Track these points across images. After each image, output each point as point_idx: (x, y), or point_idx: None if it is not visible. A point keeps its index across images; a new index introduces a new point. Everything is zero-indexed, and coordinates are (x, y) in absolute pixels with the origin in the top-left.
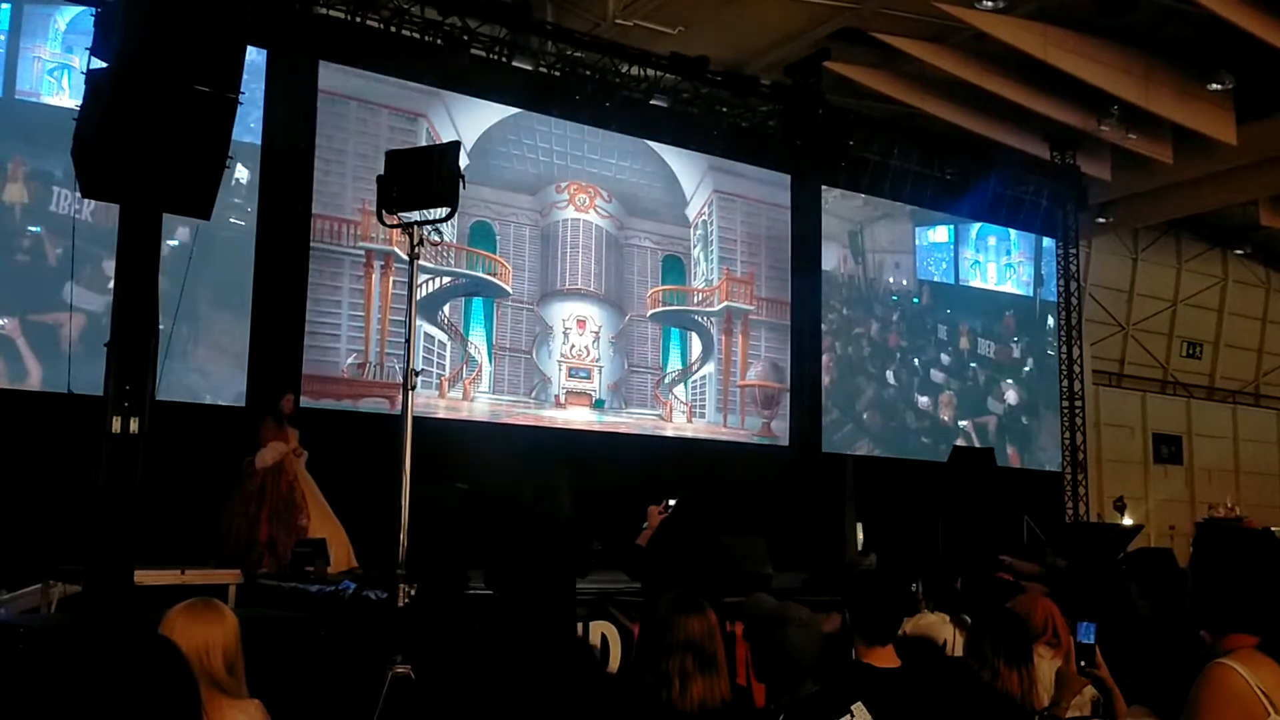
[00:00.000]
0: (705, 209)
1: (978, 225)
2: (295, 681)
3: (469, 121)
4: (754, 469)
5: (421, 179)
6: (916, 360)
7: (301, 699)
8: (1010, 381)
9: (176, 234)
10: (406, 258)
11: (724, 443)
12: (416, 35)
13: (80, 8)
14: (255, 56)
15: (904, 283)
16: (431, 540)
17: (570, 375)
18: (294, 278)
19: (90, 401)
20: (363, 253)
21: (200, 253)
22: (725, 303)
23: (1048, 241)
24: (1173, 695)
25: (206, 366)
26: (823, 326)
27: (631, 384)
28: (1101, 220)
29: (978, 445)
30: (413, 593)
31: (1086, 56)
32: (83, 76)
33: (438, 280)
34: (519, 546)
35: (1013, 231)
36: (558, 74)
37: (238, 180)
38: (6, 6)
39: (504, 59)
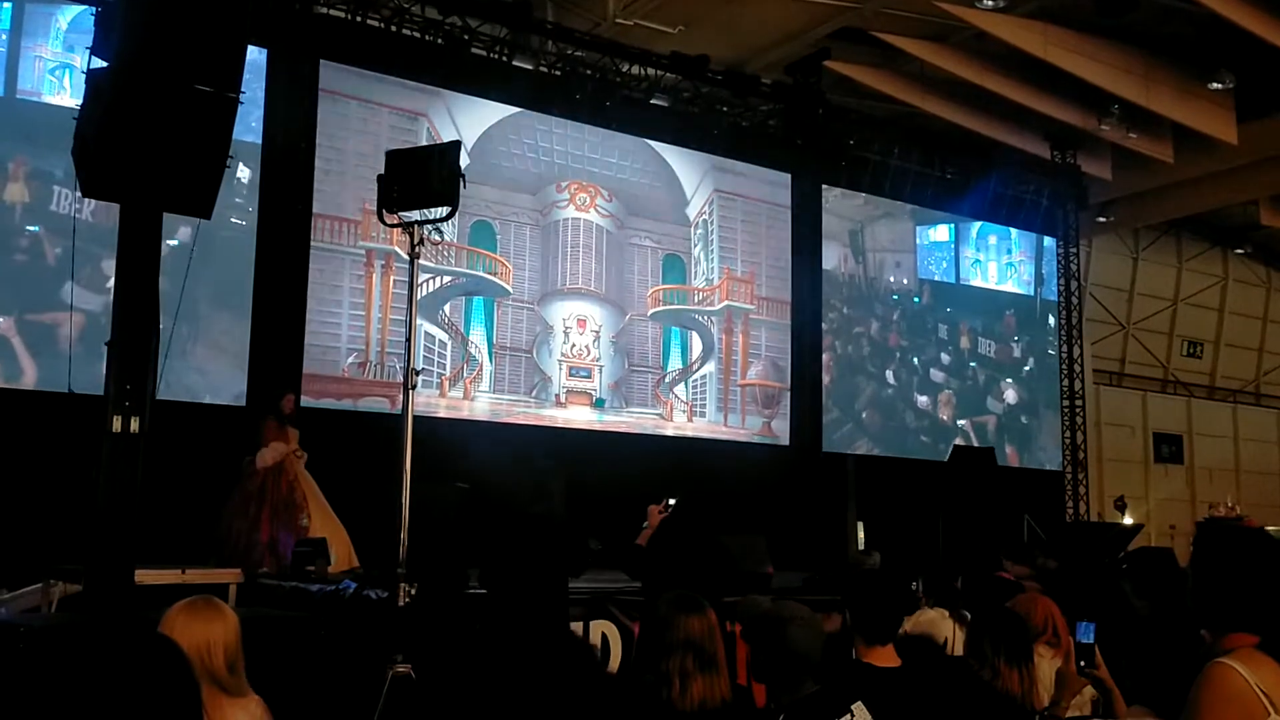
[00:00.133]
0: (706, 208)
1: (978, 224)
2: (295, 681)
3: (469, 121)
4: (754, 468)
5: (422, 178)
6: (916, 359)
7: (302, 698)
8: (1010, 381)
9: (177, 234)
10: (407, 257)
11: (724, 442)
12: (417, 35)
13: (81, 7)
14: (256, 56)
15: (904, 282)
16: (432, 540)
17: (571, 374)
18: (294, 277)
19: (90, 401)
20: (363, 252)
21: (200, 252)
22: (725, 302)
23: (1048, 240)
24: (1173, 695)
25: (206, 366)
26: (823, 326)
27: (632, 383)
28: (1102, 219)
29: (976, 445)
30: (413, 592)
31: (1087, 56)
32: (84, 76)
33: (438, 279)
34: (511, 546)
35: (1013, 230)
36: (558, 73)
37: (239, 180)
38: (8, 5)
39: (504, 58)
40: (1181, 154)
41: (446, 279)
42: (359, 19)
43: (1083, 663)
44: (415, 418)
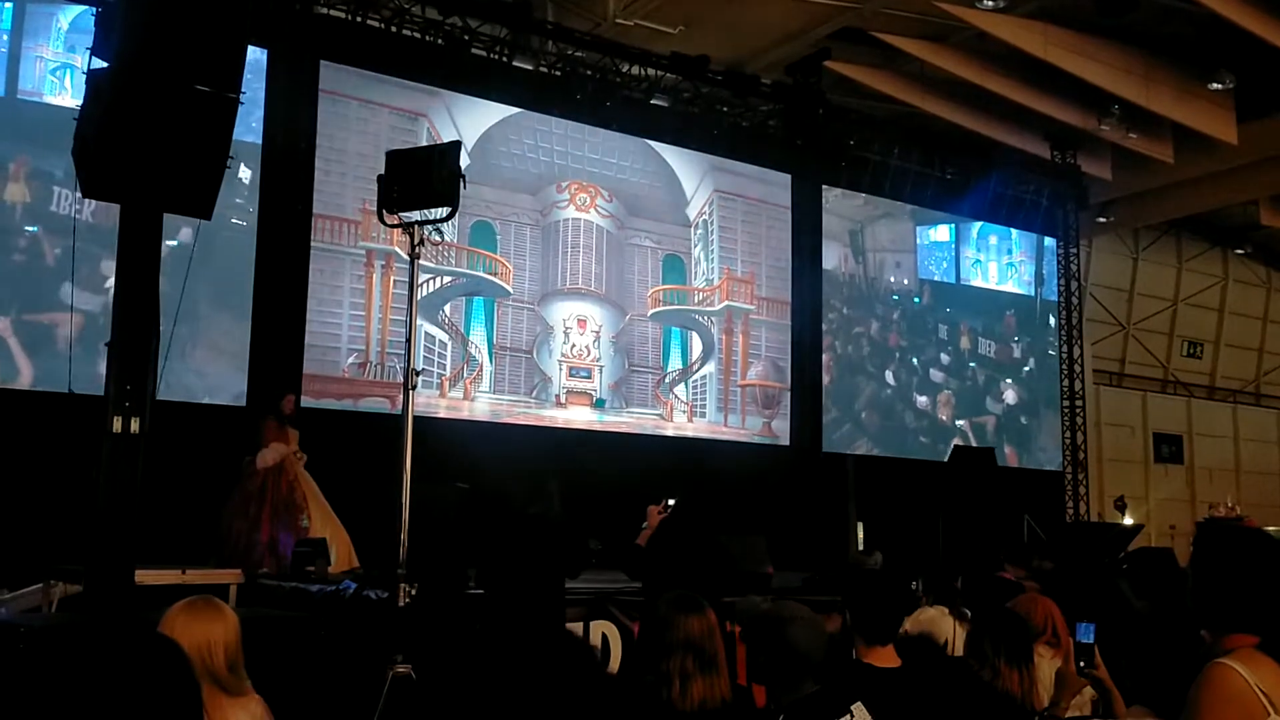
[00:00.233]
0: (706, 208)
1: (979, 224)
2: (295, 681)
3: (469, 121)
4: (754, 469)
5: (422, 179)
6: (916, 360)
7: (302, 698)
8: (1009, 381)
9: (178, 234)
10: (407, 257)
11: (724, 442)
12: (417, 35)
13: (82, 7)
14: (256, 56)
15: (905, 282)
16: (432, 540)
17: (571, 375)
18: (295, 277)
19: (90, 401)
20: (363, 252)
21: (200, 253)
22: (726, 302)
23: (1049, 241)
24: (1172, 695)
25: (204, 367)
26: (823, 326)
27: (632, 383)
28: (1102, 220)
29: (975, 445)
30: (413, 592)
31: (1087, 56)
32: (84, 76)
33: (438, 280)
34: (508, 546)
35: (1014, 230)
36: (558, 74)
37: (239, 180)
38: (9, 6)
39: (504, 59)
40: (1181, 154)
41: (446, 279)
42: (359, 19)
43: (1082, 663)
44: (415, 418)
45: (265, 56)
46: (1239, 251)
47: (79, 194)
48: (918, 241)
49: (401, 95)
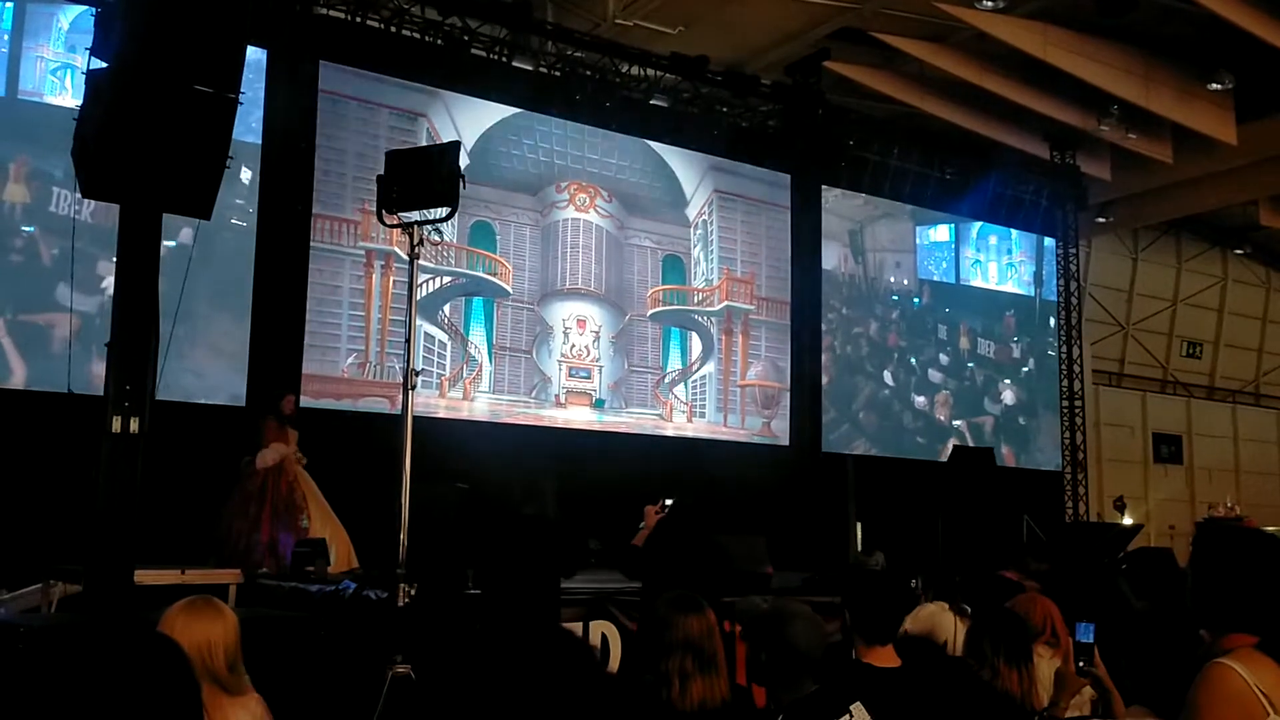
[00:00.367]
0: (705, 209)
1: (979, 224)
2: (295, 681)
3: (469, 121)
4: (754, 469)
5: (421, 179)
6: (914, 360)
7: (301, 699)
8: (1008, 382)
9: (178, 235)
10: (406, 257)
11: (724, 442)
12: (416, 35)
13: (82, 7)
14: (256, 56)
15: (904, 282)
16: (431, 540)
17: (570, 375)
18: (294, 277)
19: (90, 401)
20: (363, 252)
21: (200, 253)
22: (725, 302)
23: (1049, 241)
24: (1172, 695)
25: (202, 368)
26: (822, 326)
27: (631, 384)
28: (1101, 220)
29: (972, 445)
30: (413, 592)
31: (1086, 56)
32: (84, 76)
33: (438, 280)
34: (504, 546)
35: (1014, 230)
36: (558, 74)
37: (240, 180)
38: (9, 6)
39: (504, 59)
40: (1181, 154)
41: (446, 279)
42: (359, 19)
43: (1082, 662)
44: (415, 418)
45: (265, 56)
46: (1238, 252)
47: (78, 194)
48: (917, 241)
49: (401, 95)
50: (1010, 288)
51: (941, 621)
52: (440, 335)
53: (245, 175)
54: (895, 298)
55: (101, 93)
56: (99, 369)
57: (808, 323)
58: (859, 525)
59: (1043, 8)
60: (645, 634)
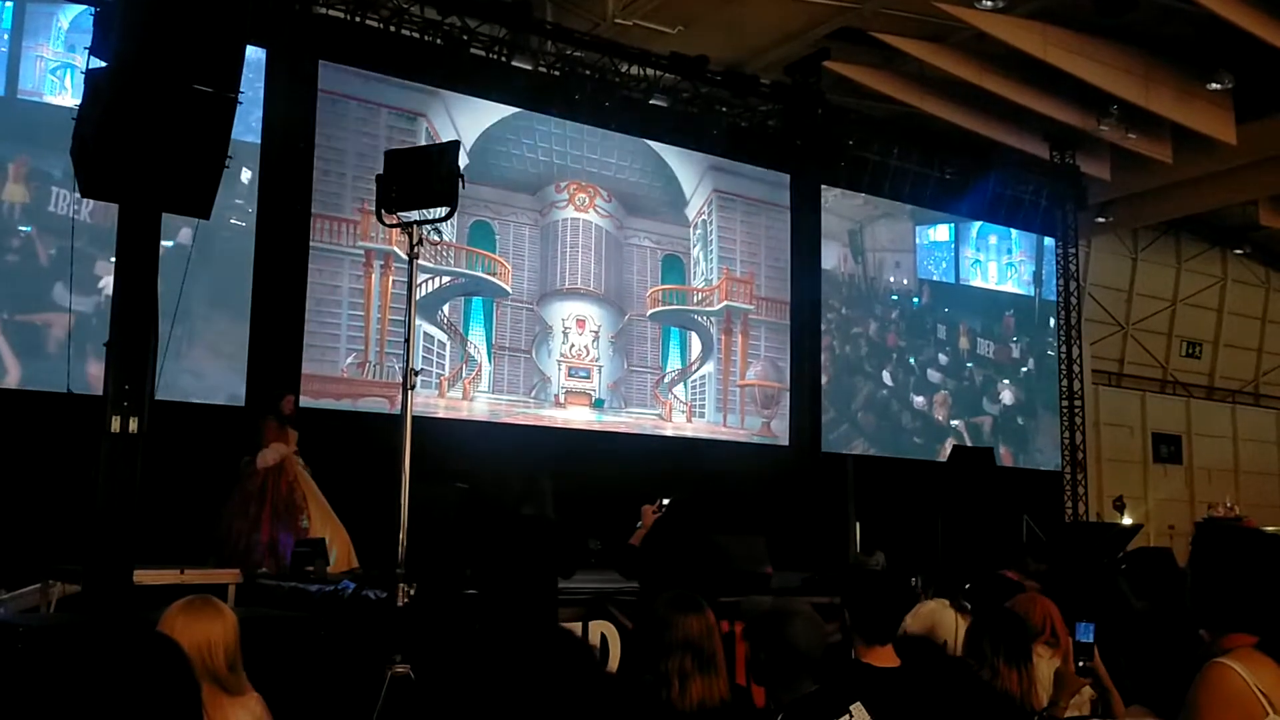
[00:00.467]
0: (705, 208)
1: (978, 224)
2: (295, 681)
3: (468, 121)
4: (754, 468)
5: (421, 178)
6: (913, 360)
7: (301, 698)
8: (1006, 382)
9: (177, 234)
10: (406, 257)
11: (724, 442)
12: (416, 35)
13: (82, 6)
14: (255, 56)
15: (904, 282)
16: (431, 540)
17: (570, 375)
18: (294, 277)
19: (89, 401)
20: (362, 252)
21: (199, 253)
22: (725, 302)
23: (1049, 240)
24: (1171, 695)
25: (201, 368)
26: (821, 326)
27: (631, 383)
28: (1101, 220)
29: (970, 445)
30: (412, 592)
31: (1086, 56)
32: (83, 76)
33: (437, 280)
34: (501, 546)
35: (1014, 230)
36: (557, 74)
37: (239, 181)
38: (9, 5)
39: (504, 59)
40: (1180, 154)
41: (445, 279)
42: (358, 19)
43: (1081, 662)
44: (414, 418)
45: (264, 56)
46: (1238, 252)
47: (77, 194)
48: (917, 241)
49: (400, 95)
50: (1010, 287)
51: (943, 618)
52: (440, 335)
53: (245, 175)
54: (895, 297)
55: (101, 92)
56: (95, 369)
57: (807, 323)
58: (857, 525)
59: (1043, 8)
60: (644, 634)
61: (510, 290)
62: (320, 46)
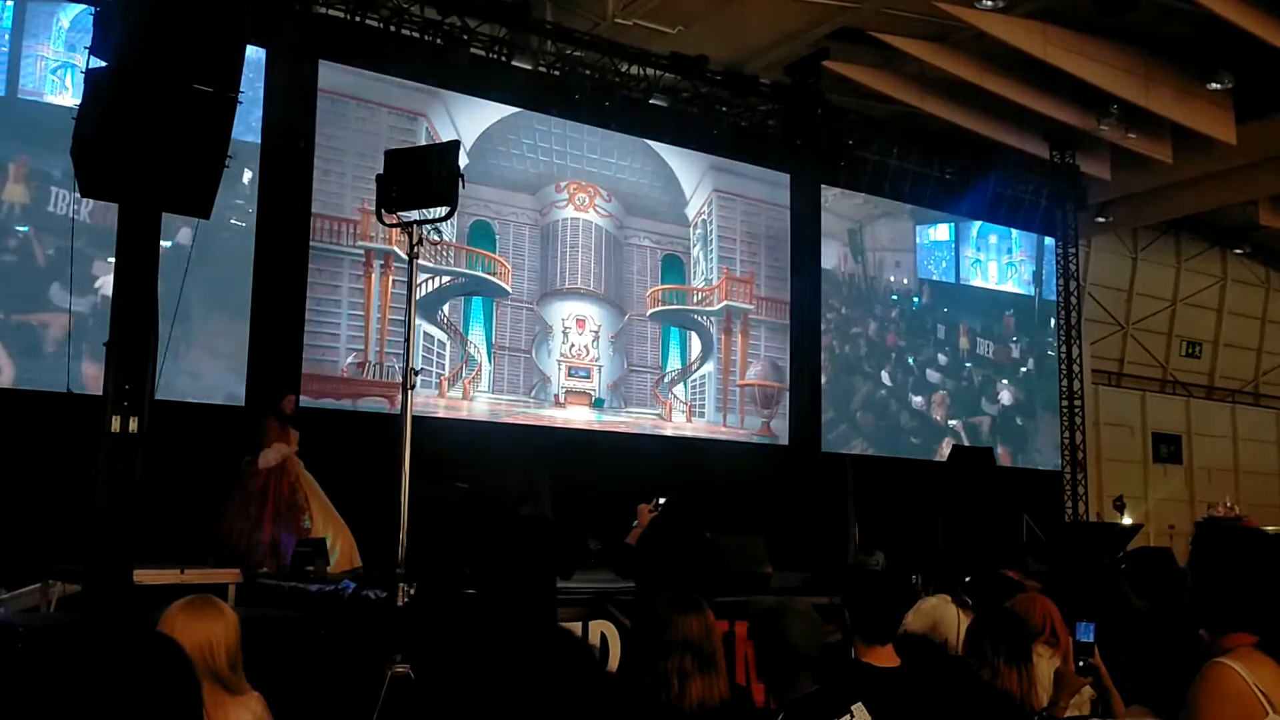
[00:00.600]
0: (705, 208)
1: (979, 223)
2: (295, 681)
3: (468, 121)
4: (753, 468)
5: (421, 178)
6: (912, 360)
7: (301, 698)
8: (1005, 382)
9: (176, 235)
10: (406, 257)
11: (723, 442)
12: (416, 35)
13: (82, 6)
14: (255, 55)
15: (904, 281)
16: (431, 540)
17: (570, 374)
18: (293, 277)
19: (89, 401)
20: (362, 252)
21: (199, 253)
22: (725, 302)
23: (1049, 240)
24: (1172, 694)
25: (199, 369)
26: (821, 325)
27: (631, 383)
28: (1101, 220)
29: (967, 445)
30: (412, 592)
31: (1086, 56)
32: (84, 75)
33: (437, 279)
34: (499, 546)
35: (1014, 230)
36: (557, 73)
37: (240, 181)
38: (9, 4)
39: (504, 58)
40: (1180, 154)
41: (445, 279)
42: (358, 19)
43: (1082, 662)
44: (414, 418)
45: (264, 56)
46: (1238, 251)
47: (77, 194)
48: (917, 241)
49: (400, 95)
50: (1010, 287)
51: (945, 614)
52: (439, 335)
53: (246, 177)
54: (895, 297)
55: (101, 92)
56: (91, 369)
57: (807, 322)
58: (856, 525)
59: (1043, 8)
60: (643, 634)
61: (510, 290)
62: (320, 46)
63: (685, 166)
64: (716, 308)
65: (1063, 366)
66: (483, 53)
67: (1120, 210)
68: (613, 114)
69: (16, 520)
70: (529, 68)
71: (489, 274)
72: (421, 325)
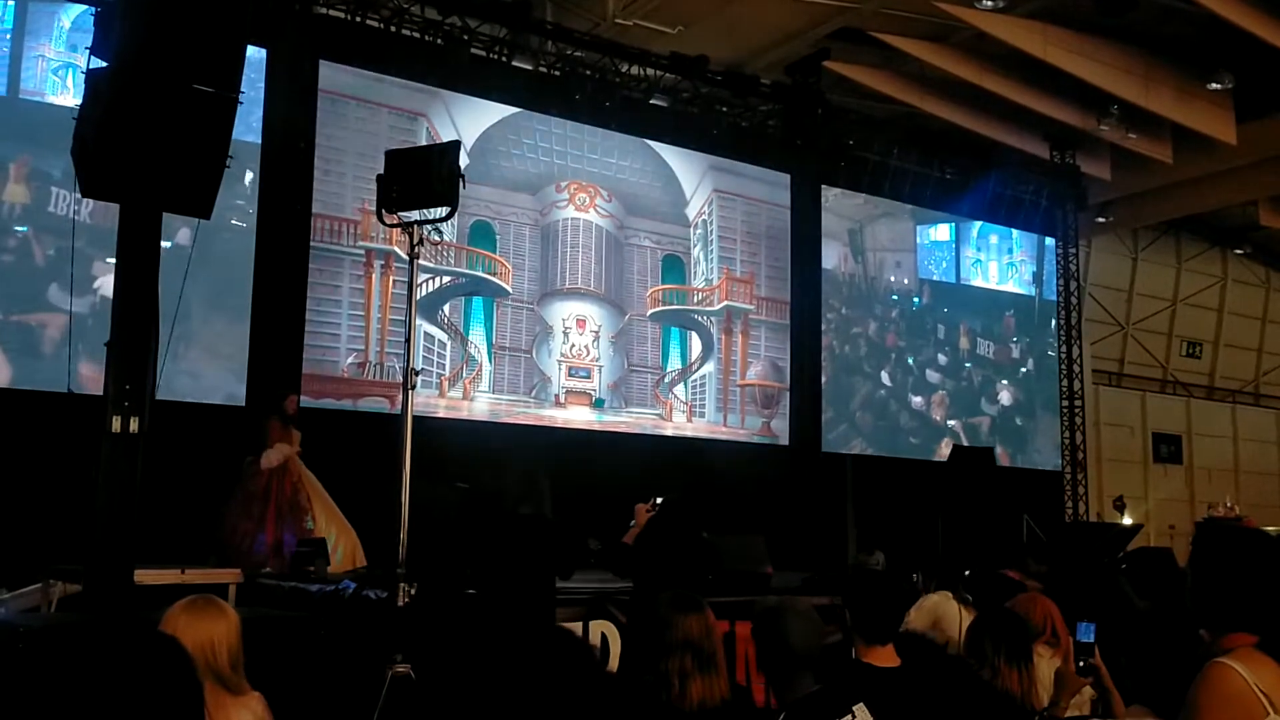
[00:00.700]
0: (705, 208)
1: (979, 223)
2: (295, 681)
3: (469, 121)
4: (754, 468)
5: (421, 178)
6: (912, 360)
7: (301, 698)
8: (1005, 383)
9: (175, 235)
10: (406, 257)
11: (724, 442)
12: (416, 35)
13: (84, 6)
14: (256, 56)
15: (905, 281)
16: (431, 540)
17: (570, 375)
18: (294, 277)
19: (89, 401)
20: (363, 252)
21: (200, 254)
22: (725, 302)
23: (1049, 240)
24: (1172, 694)
25: (198, 369)
26: (821, 325)
27: (631, 383)
28: (1101, 220)
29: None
30: (413, 592)
31: (1086, 56)
32: (84, 76)
33: (438, 280)
34: (497, 546)
35: (1015, 230)
36: (557, 74)
37: (240, 182)
38: (11, 4)
39: (504, 59)
40: (1181, 154)
41: (446, 279)
42: (358, 19)
43: (1082, 662)
44: (415, 418)
45: (264, 56)
46: (1238, 252)
47: (77, 194)
48: (918, 241)
49: (401, 95)
50: (1011, 287)
51: (947, 610)
52: (440, 335)
53: (248, 178)
54: (895, 297)
55: (101, 92)
56: (88, 369)
57: (807, 322)
58: (853, 525)
59: (1043, 8)
60: (643, 633)
61: (510, 290)
62: (320, 46)
63: (685, 166)
64: (717, 308)
65: (1063, 367)
66: (483, 53)
67: (1120, 210)
68: (613, 114)
69: (17, 520)
70: (529, 68)
71: (489, 274)
72: (422, 325)
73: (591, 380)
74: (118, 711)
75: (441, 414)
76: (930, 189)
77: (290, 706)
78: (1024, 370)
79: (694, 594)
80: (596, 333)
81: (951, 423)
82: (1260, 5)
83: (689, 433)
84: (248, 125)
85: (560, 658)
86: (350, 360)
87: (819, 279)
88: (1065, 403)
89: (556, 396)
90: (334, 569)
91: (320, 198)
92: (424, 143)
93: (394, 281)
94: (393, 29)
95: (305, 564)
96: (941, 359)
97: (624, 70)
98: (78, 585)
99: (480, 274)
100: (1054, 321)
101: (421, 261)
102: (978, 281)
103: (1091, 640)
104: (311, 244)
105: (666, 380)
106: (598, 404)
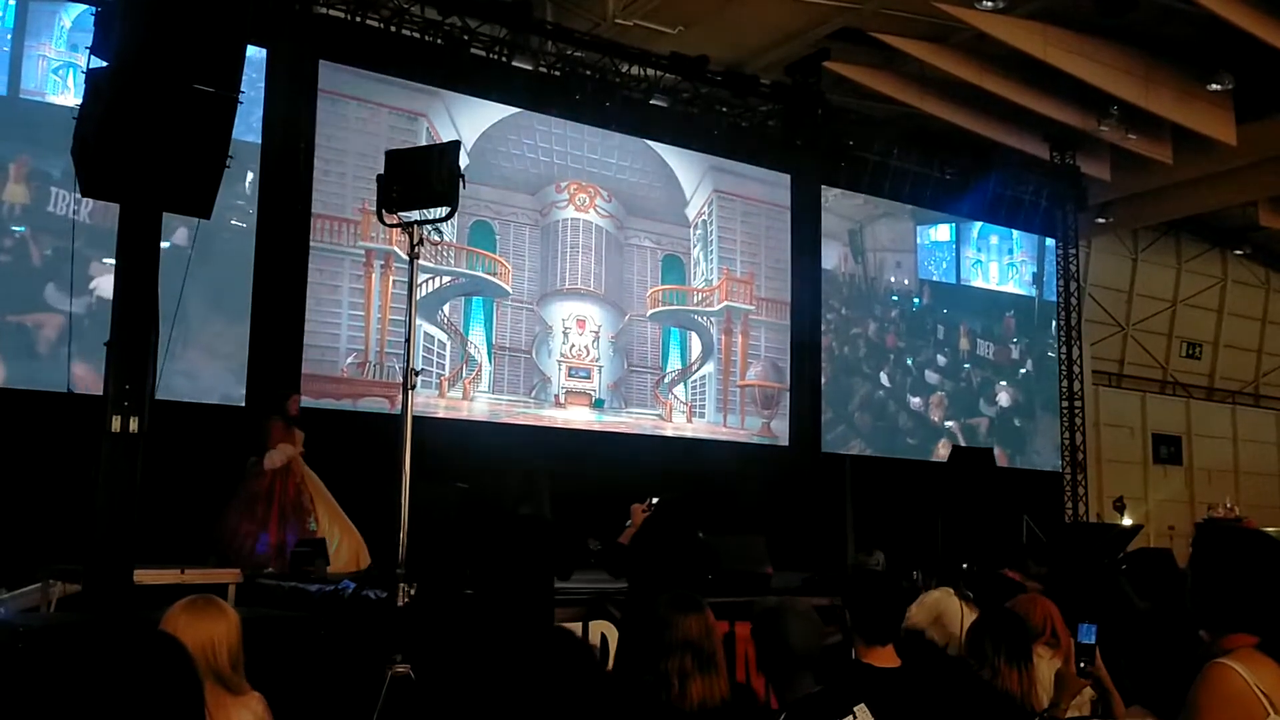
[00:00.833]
0: (705, 209)
1: (980, 224)
2: (295, 681)
3: (469, 121)
4: (754, 469)
5: (421, 178)
6: (911, 361)
7: (301, 698)
8: (1004, 384)
9: (174, 235)
10: (406, 257)
11: (724, 442)
12: (416, 35)
13: (85, 6)
14: (256, 56)
15: (905, 282)
16: (431, 540)
17: (570, 375)
18: (294, 277)
19: (89, 401)
20: (362, 252)
21: (199, 254)
22: (725, 302)
23: (1050, 241)
24: (1172, 695)
25: (196, 370)
26: (821, 326)
27: (631, 384)
28: (1101, 220)
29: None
30: (413, 592)
31: (1086, 56)
32: (84, 75)
33: (437, 280)
34: (497, 546)
35: (1015, 230)
36: (558, 74)
37: (240, 182)
38: (12, 4)
39: (504, 59)
40: (1180, 155)
41: (446, 279)
42: (359, 19)
43: (1082, 663)
44: (414, 418)
45: (264, 56)
46: (1238, 252)
47: (77, 194)
48: (918, 241)
49: (401, 95)
50: (1011, 288)
51: (948, 607)
52: (440, 335)
53: (247, 177)
54: (895, 298)
55: (101, 92)
56: (84, 370)
57: (807, 323)
58: (852, 526)
59: (1043, 8)
60: (642, 634)
61: (510, 290)
62: (320, 46)
63: (685, 167)
64: (717, 308)
65: (1063, 367)
66: (483, 53)
67: (1120, 211)
68: (613, 114)
69: (16, 520)
70: (529, 68)
71: (489, 274)
72: (422, 325)
73: (591, 380)
74: (118, 711)
75: (441, 414)
76: (930, 189)
77: (290, 706)
78: (1024, 371)
79: (694, 594)
80: (596, 333)
81: (949, 424)
82: (1260, 5)
83: (689, 433)
84: (248, 125)
85: (560, 658)
86: (350, 360)
87: (819, 279)
88: (1065, 403)
89: (556, 397)
90: (338, 570)
91: (320, 198)
92: (424, 143)
93: (394, 281)
94: (393, 29)
95: (304, 564)
96: (941, 360)
97: (624, 70)
98: (77, 585)
99: (480, 274)
100: (1054, 322)
101: (421, 261)
102: (978, 282)
103: (1092, 642)
104: (311, 244)
105: (666, 381)
106: (597, 404)
